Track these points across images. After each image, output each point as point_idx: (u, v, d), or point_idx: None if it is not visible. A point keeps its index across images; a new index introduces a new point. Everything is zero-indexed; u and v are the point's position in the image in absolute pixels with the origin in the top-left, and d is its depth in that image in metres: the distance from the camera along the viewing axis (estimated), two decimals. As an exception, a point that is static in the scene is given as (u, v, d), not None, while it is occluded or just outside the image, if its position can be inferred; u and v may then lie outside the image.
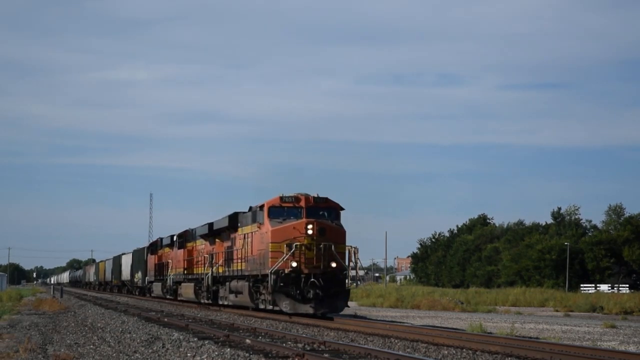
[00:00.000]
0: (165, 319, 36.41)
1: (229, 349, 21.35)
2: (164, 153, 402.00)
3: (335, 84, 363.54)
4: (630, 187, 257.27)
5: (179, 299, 60.78)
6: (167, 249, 67.30)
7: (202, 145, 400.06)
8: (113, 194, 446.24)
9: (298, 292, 37.10)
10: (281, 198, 39.27)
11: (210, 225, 50.46)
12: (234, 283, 44.61)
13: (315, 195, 39.28)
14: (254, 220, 41.40)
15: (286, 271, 37.18)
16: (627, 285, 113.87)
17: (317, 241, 37.41)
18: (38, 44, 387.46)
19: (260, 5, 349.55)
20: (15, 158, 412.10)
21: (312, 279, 37.13)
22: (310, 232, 37.72)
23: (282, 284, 37.18)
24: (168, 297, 64.54)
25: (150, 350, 21.63)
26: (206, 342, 23.56)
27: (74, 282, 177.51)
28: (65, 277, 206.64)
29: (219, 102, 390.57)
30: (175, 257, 62.40)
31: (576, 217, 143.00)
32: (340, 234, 38.64)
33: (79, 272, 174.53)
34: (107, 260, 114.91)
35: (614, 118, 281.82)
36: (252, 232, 41.42)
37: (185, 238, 60.46)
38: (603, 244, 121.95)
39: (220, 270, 47.68)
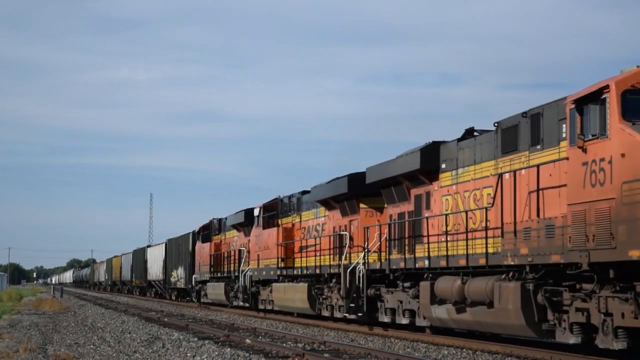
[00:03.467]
0: (165, 319, 36.25)
1: (229, 349, 21.24)
2: (164, 153, 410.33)
3: (336, 84, 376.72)
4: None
5: (262, 307, 40.20)
6: (231, 233, 47.75)
7: (202, 145, 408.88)
8: (113, 194, 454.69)
9: None
10: (651, 68, 16.38)
11: (353, 179, 29.37)
12: (445, 284, 22.24)
13: None
14: (531, 141, 19.49)
15: None
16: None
17: None
18: (38, 44, 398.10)
19: (260, 5, 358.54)
20: (15, 158, 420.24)
21: None
22: None
23: None
24: (239, 304, 43.36)
25: (150, 350, 21.34)
26: (206, 342, 23.61)
27: (79, 282, 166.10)
28: (68, 276, 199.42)
29: (219, 102, 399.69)
30: (259, 242, 39.76)
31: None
32: None
33: (85, 271, 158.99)
34: (123, 255, 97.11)
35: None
36: (527, 170, 19.40)
37: (276, 211, 38.42)
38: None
39: (372, 260, 27.68)
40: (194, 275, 55.76)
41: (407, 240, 25.05)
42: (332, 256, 30.77)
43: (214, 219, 52.21)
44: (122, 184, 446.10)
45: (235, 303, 44.29)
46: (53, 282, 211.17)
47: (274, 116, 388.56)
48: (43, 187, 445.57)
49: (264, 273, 38.43)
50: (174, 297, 65.25)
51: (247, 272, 41.35)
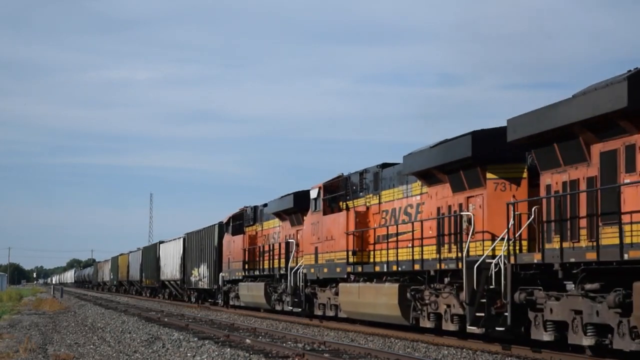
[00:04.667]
0: (166, 319, 36.41)
1: (229, 349, 21.28)
2: (164, 153, 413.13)
3: (335, 84, 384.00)
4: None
5: (320, 313, 32.60)
6: (272, 223, 40.07)
7: (202, 145, 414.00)
8: (113, 194, 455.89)
9: None
10: None
11: (480, 138, 21.47)
12: None
13: None
14: None
15: None
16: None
17: None
18: (38, 44, 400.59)
19: (261, 5, 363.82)
20: (15, 158, 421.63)
21: None
22: None
23: None
24: (287, 309, 35.33)
25: (150, 350, 21.40)
26: (206, 342, 23.78)
27: (81, 283, 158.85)
28: (69, 276, 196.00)
29: (219, 102, 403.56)
30: (317, 231, 31.51)
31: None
32: None
33: (88, 271, 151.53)
34: (131, 252, 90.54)
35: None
36: None
37: (342, 192, 30.53)
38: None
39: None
40: (221, 274, 47.89)
41: (581, 222, 17.00)
42: (441, 246, 22.65)
43: (246, 207, 44.67)
44: (122, 184, 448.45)
45: (279, 307, 36.81)
46: (54, 282, 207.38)
47: (274, 116, 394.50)
48: (43, 187, 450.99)
49: (325, 270, 30.25)
50: (193, 300, 57.16)
51: (298, 269, 33.57)
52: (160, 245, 70.11)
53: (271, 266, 37.79)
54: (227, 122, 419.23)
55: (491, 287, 19.56)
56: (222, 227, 48.06)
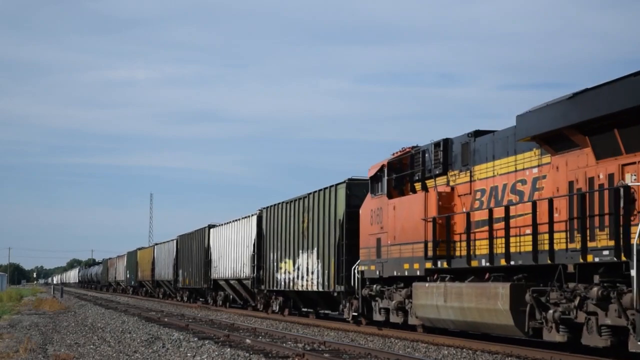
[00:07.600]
0: (166, 319, 37.26)
1: (229, 349, 22.02)
2: (164, 153, 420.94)
3: (335, 84, 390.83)
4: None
5: None
6: (500, 165, 21.93)
7: (202, 145, 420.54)
8: (113, 194, 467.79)
9: None
10: None
11: None
12: None
13: None
14: None
15: None
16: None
17: None
18: (38, 44, 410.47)
19: (260, 5, 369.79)
20: (15, 158, 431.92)
21: None
22: None
23: None
24: (598, 343, 17.97)
25: (150, 350, 22.02)
26: (206, 342, 24.48)
27: (86, 283, 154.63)
28: (72, 276, 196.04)
29: (219, 102, 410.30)
30: None
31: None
32: None
33: (96, 269, 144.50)
34: (157, 245, 77.33)
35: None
36: None
37: None
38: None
39: None
40: (355, 267, 30.28)
41: None
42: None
43: (415, 147, 26.70)
44: (122, 184, 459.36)
45: (558, 337, 19.01)
46: (55, 282, 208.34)
47: (274, 116, 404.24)
48: (43, 187, 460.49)
49: None
50: (276, 308, 40.41)
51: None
52: (211, 230, 54.09)
53: (551, 248, 19.02)
54: (227, 122, 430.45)
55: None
56: (358, 187, 31.51)
